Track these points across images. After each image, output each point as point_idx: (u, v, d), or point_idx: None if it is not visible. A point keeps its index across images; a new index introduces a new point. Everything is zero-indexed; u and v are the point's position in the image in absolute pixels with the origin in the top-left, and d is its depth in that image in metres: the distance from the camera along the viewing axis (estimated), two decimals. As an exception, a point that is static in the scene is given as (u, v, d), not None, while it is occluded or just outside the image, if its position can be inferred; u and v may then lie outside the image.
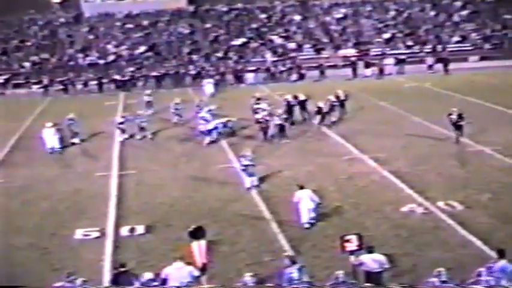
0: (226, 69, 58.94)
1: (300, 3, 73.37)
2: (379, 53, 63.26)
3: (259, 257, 18.31)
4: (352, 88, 44.87)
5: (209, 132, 33.04)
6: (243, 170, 25.21)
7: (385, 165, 27.26)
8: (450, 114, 30.22)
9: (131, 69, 59.51)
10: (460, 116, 29.93)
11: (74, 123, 34.86)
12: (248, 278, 15.35)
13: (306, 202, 20.54)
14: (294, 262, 15.80)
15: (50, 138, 32.44)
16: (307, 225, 20.43)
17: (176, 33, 68.38)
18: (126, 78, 57.42)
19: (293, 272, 15.25)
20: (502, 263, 14.85)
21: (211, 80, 53.40)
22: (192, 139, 33.83)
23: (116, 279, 15.48)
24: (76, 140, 34.29)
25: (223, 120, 34.27)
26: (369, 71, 57.69)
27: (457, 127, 30.03)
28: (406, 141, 30.67)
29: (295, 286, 14.89)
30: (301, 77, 57.08)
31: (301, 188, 21.05)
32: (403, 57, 60.32)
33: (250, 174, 25.09)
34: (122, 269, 15.78)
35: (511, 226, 19.95)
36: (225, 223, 21.20)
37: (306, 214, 20.50)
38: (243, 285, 15.20)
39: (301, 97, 37.35)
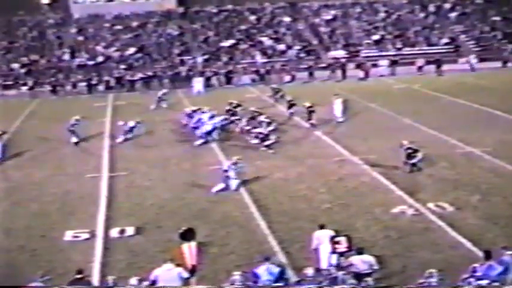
0: (216, 70, 58.95)
1: (290, 5, 73.40)
2: (370, 54, 63.62)
3: (250, 258, 18.24)
4: (342, 90, 44.90)
5: (209, 133, 32.99)
6: (225, 175, 25.15)
7: (375, 166, 27.30)
8: (401, 146, 27.07)
9: (121, 70, 59.69)
10: (409, 155, 26.54)
11: (79, 124, 35.09)
12: (237, 276, 15.22)
13: (326, 245, 17.42)
14: (267, 259, 15.84)
15: None
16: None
17: (166, 34, 68.31)
18: (137, 78, 57.79)
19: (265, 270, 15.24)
20: (489, 264, 14.96)
21: (200, 79, 54.69)
22: (182, 141, 33.84)
23: (71, 285, 15.28)
24: (76, 140, 34.33)
25: (220, 119, 34.27)
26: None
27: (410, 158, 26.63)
28: (396, 142, 30.65)
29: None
30: (293, 78, 57.10)
31: (322, 227, 18.15)
32: (395, 58, 60.60)
33: (225, 181, 25.05)
34: (78, 276, 15.56)
35: (501, 227, 20.04)
36: (215, 225, 21.17)
37: (326, 259, 17.23)
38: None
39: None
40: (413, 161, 26.35)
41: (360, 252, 16.36)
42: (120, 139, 34.53)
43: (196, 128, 34.40)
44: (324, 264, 17.09)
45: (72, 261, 18.44)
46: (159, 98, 45.28)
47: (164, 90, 48.21)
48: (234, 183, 25.14)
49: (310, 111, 36.33)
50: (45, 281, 14.87)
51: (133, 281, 15.34)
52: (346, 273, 15.69)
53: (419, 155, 26.48)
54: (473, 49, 64.22)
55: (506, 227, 19.95)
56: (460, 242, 18.99)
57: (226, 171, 25.27)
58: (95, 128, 37.62)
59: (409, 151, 26.50)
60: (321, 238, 17.66)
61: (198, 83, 53.88)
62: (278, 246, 19.24)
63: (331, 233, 17.69)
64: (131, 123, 35.15)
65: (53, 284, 15.09)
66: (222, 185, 24.99)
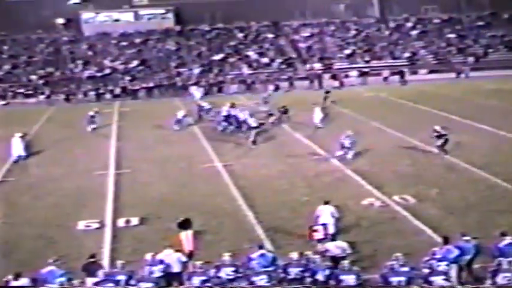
0: (208, 81, 58.91)
1: (273, 24, 73.43)
2: (342, 66, 63.84)
3: (239, 245, 18.17)
4: (319, 98, 44.88)
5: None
6: (345, 147, 27.65)
7: (347, 164, 27.27)
8: (434, 131, 28.41)
9: (126, 80, 59.65)
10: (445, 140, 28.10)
11: (96, 116, 38.59)
12: (226, 257, 15.10)
13: (325, 217, 17.88)
14: (261, 247, 15.74)
15: (17, 147, 31.13)
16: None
17: (164, 49, 68.31)
18: (140, 88, 58.00)
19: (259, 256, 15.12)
20: (446, 248, 14.98)
21: (195, 87, 54.97)
22: (179, 141, 33.76)
23: (85, 268, 15.18)
24: (92, 127, 37.72)
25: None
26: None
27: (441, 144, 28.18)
28: (366, 143, 30.67)
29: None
30: (277, 88, 56.97)
31: (326, 203, 18.43)
32: (365, 70, 60.74)
33: (343, 150, 27.62)
34: (91, 260, 15.47)
35: (456, 216, 20.10)
36: (209, 215, 21.02)
37: (321, 229, 17.48)
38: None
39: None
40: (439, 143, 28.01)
41: (333, 239, 16.39)
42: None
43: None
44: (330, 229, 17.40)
45: (85, 247, 18.30)
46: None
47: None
48: (350, 154, 27.38)
49: (284, 112, 38.32)
50: (58, 265, 14.74)
51: (148, 256, 15.13)
52: (323, 258, 15.66)
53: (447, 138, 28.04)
54: (432, 62, 64.63)
55: (461, 216, 20.03)
56: (422, 230, 19.02)
57: (342, 143, 27.71)
58: (103, 130, 37.59)
59: (442, 136, 27.94)
60: (323, 212, 17.99)
61: (196, 91, 53.71)
62: (264, 234, 19.16)
63: (332, 209, 18.06)
64: (180, 114, 38.05)
65: (65, 267, 14.97)
66: (341, 152, 27.70)
